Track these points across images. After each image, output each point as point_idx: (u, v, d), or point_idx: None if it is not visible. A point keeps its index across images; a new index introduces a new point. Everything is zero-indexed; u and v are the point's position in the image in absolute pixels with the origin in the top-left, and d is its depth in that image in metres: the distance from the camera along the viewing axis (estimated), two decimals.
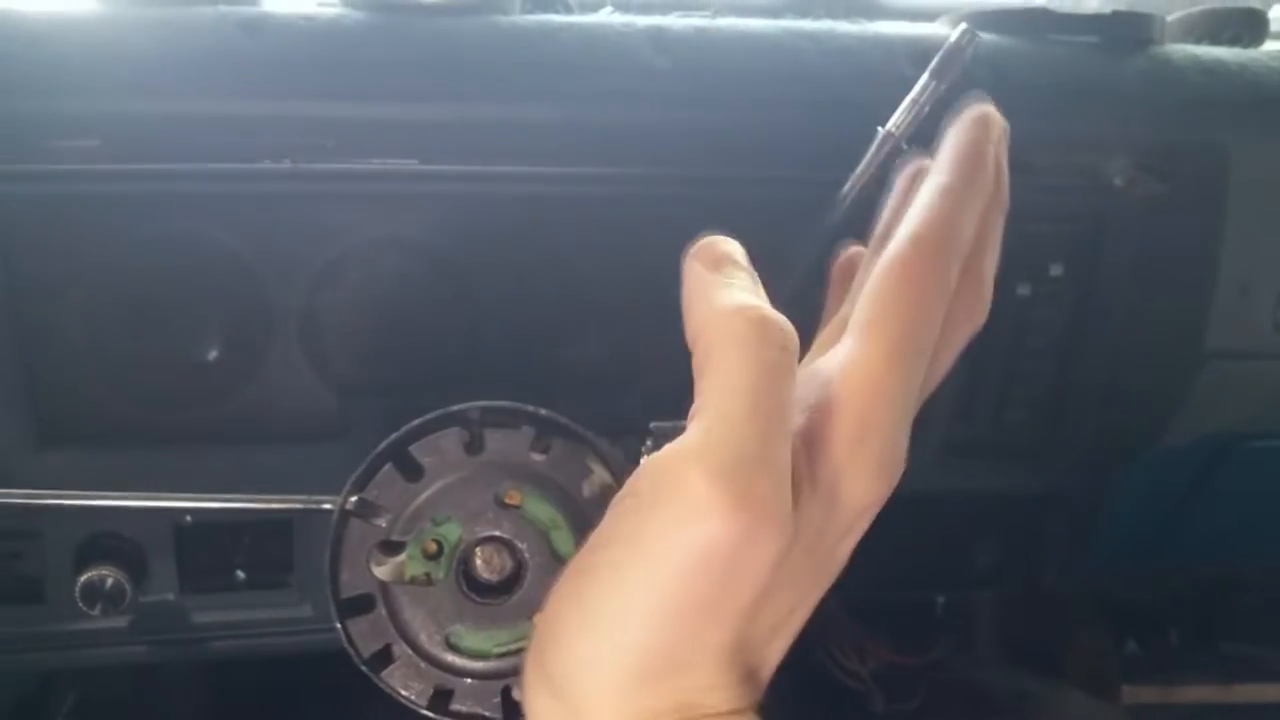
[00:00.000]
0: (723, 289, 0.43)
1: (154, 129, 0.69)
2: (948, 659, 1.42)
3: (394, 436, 0.61)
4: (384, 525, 0.61)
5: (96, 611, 0.81)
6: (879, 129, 0.60)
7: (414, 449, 0.61)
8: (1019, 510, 1.05)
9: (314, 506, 0.64)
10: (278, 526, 0.87)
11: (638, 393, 0.89)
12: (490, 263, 0.87)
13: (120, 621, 0.85)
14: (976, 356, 0.92)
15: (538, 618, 0.45)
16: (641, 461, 0.70)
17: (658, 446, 0.70)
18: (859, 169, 0.61)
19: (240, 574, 0.88)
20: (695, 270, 0.45)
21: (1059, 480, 0.99)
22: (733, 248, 0.46)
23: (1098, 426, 0.95)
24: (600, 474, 0.64)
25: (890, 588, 1.10)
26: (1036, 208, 0.87)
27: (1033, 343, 0.92)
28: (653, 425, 0.69)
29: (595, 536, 0.42)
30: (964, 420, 0.96)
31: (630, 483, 0.41)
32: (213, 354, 0.86)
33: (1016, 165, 0.86)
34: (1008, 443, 0.97)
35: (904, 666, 1.43)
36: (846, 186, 0.62)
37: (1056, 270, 0.89)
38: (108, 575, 0.81)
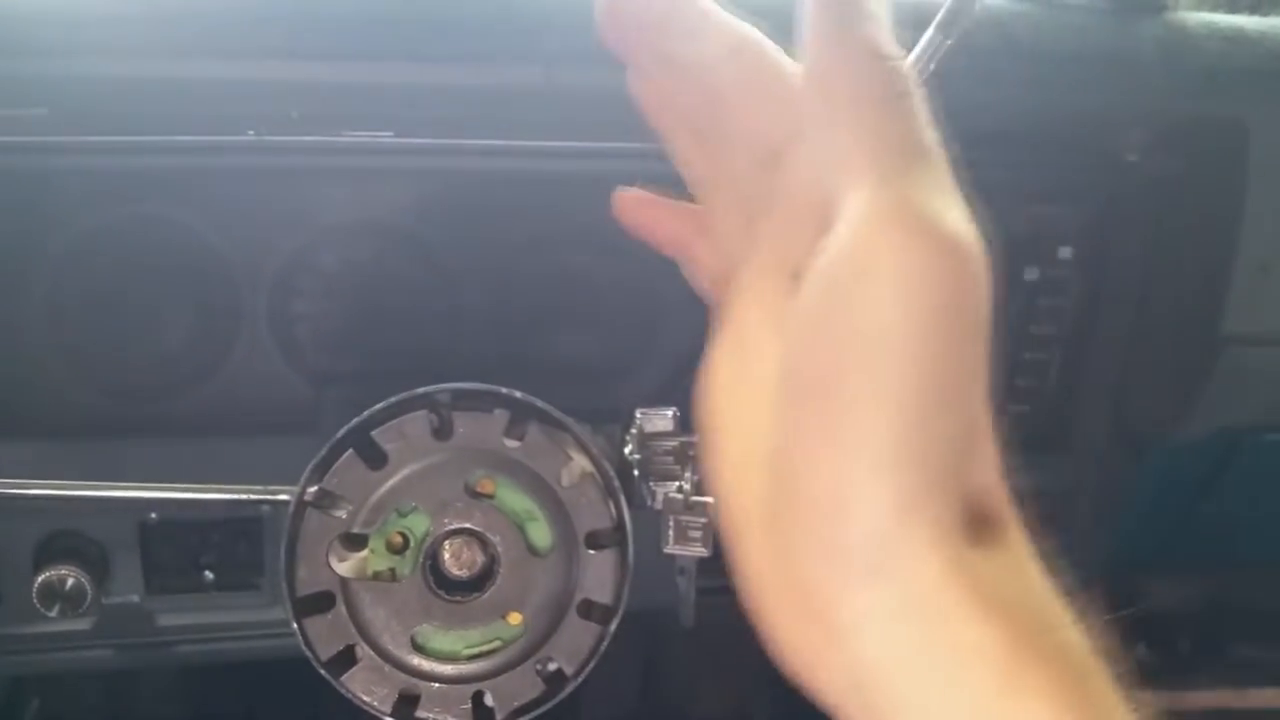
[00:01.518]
0: (861, 24, 0.37)
1: (105, 96, 0.65)
2: None
3: (355, 421, 0.57)
4: (344, 517, 0.57)
5: (55, 613, 0.76)
6: None
7: (377, 434, 0.57)
8: (1025, 509, 1.01)
9: (270, 497, 0.59)
10: (246, 525, 0.83)
11: (623, 383, 0.85)
12: (469, 246, 0.83)
13: (81, 624, 0.80)
14: None
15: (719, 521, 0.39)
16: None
17: (643, 434, 0.66)
18: None
19: (208, 574, 0.83)
20: None
21: (1067, 477, 0.94)
22: None
23: (1109, 419, 0.91)
24: (580, 461, 0.59)
25: None
26: (1044, 186, 0.83)
27: (1040, 331, 0.88)
28: (639, 412, 0.65)
29: (797, 368, 0.35)
30: None
31: (811, 298, 0.35)
32: (179, 342, 0.82)
33: (1023, 141, 0.83)
34: (1015, 438, 0.92)
35: None
36: None
37: (1065, 253, 0.85)
38: (68, 575, 0.77)
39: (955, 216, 0.33)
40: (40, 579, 0.76)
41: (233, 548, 0.83)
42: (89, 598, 0.77)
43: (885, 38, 0.36)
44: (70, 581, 0.77)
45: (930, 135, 0.35)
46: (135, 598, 0.82)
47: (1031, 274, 0.85)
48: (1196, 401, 0.86)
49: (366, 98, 0.69)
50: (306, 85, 0.67)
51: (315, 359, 0.84)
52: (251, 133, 0.71)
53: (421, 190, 0.80)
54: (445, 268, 0.83)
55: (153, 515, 0.81)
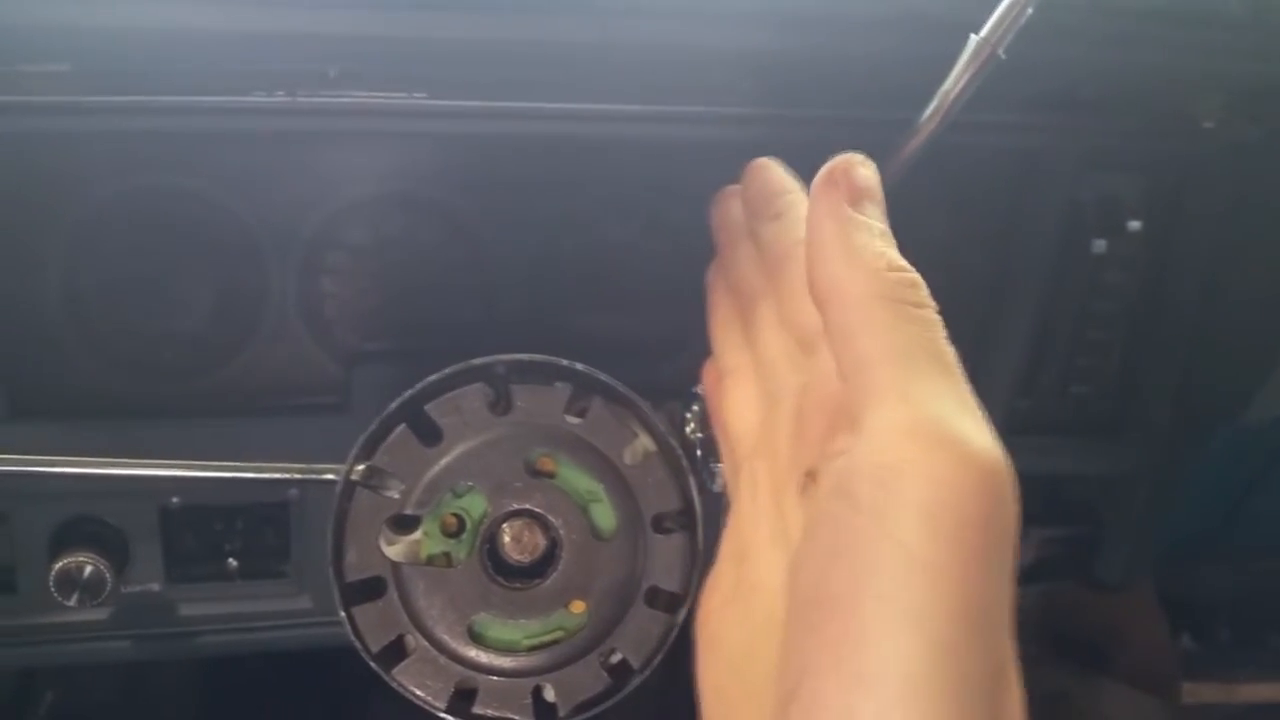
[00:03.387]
0: (865, 236, 0.36)
1: (130, 50, 0.61)
2: None
3: (408, 394, 0.52)
4: (396, 497, 0.52)
5: (73, 602, 0.73)
6: (971, 36, 0.52)
7: (431, 408, 0.53)
8: (1082, 494, 0.97)
9: (314, 477, 0.55)
10: (273, 509, 0.79)
11: (675, 361, 0.81)
12: (508, 219, 0.79)
13: (100, 614, 0.77)
14: (1041, 323, 0.84)
15: None
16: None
17: (706, 411, 0.63)
18: (947, 84, 0.53)
19: (232, 562, 0.80)
20: (831, 205, 0.37)
21: (1129, 461, 0.91)
22: (873, 176, 0.39)
23: (1174, 402, 0.87)
24: (645, 440, 0.55)
25: None
26: (1114, 154, 0.79)
27: (1104, 307, 0.84)
28: (701, 388, 0.62)
29: (810, 583, 0.32)
30: (1025, 395, 0.87)
31: (829, 507, 0.32)
32: (203, 318, 0.78)
33: (1094, 104, 0.79)
34: (1074, 420, 0.89)
35: None
36: (931, 107, 0.54)
37: (1134, 225, 0.81)
38: (86, 563, 0.73)
39: (980, 432, 0.32)
40: (57, 566, 0.73)
41: (258, 534, 0.80)
42: (108, 586, 0.74)
43: (892, 250, 0.37)
44: (89, 569, 0.74)
45: (948, 347, 0.35)
46: (156, 586, 0.78)
47: (1098, 247, 0.81)
48: (1267, 385, 0.83)
49: (405, 53, 0.65)
50: (342, 38, 0.63)
51: (345, 337, 0.81)
52: (282, 93, 0.67)
53: (457, 160, 0.76)
54: (481, 243, 0.80)
55: (175, 500, 0.77)
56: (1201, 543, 1.06)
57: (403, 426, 0.53)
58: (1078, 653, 1.30)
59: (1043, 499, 1.00)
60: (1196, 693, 1.17)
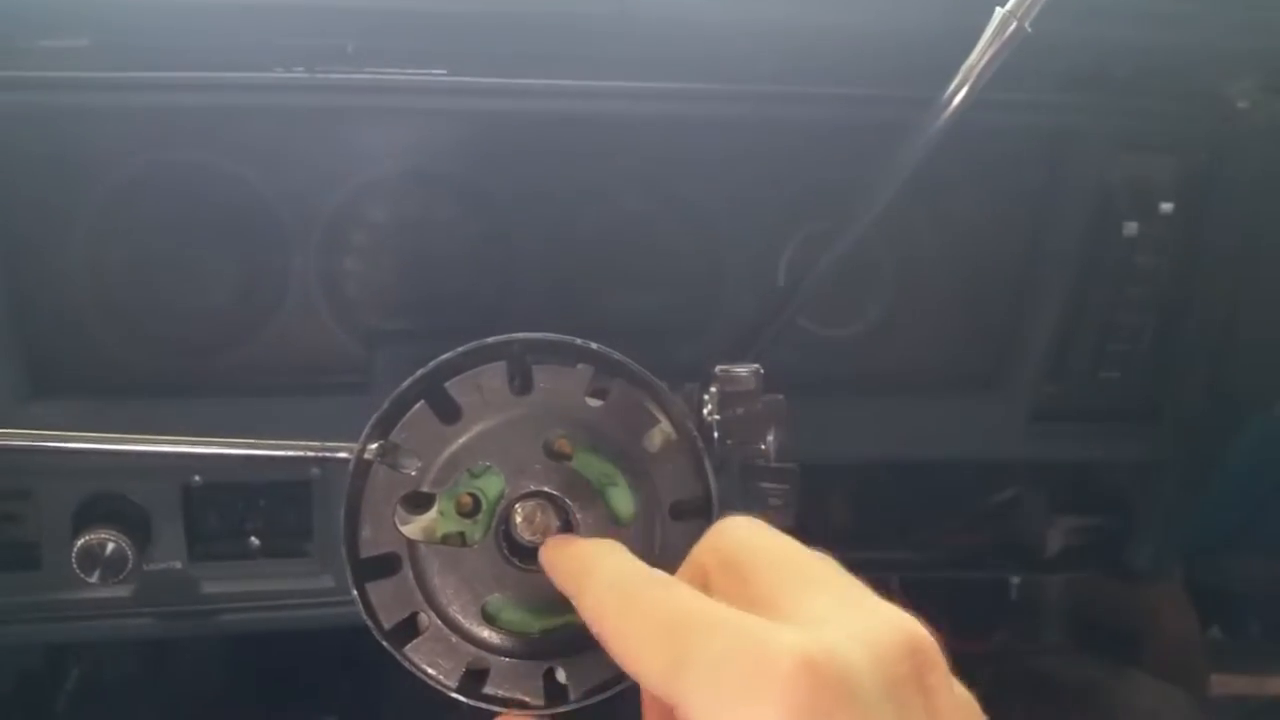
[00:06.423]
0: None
1: (150, 25, 0.60)
2: (1011, 645, 1.33)
3: (427, 369, 0.51)
4: (413, 474, 0.52)
5: (95, 579, 0.73)
6: (997, 9, 0.51)
7: (450, 386, 0.52)
8: (1112, 483, 0.96)
9: (329, 454, 0.54)
10: (295, 488, 0.79)
11: (693, 342, 0.80)
12: (527, 195, 0.79)
13: (122, 591, 0.77)
14: (1071, 307, 0.83)
15: None
16: (704, 412, 0.62)
17: (724, 393, 0.62)
18: (972, 58, 0.51)
19: (254, 540, 0.80)
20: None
21: (1158, 449, 0.89)
22: None
23: (1206, 389, 0.86)
24: (665, 426, 0.54)
25: (963, 566, 1.01)
26: (1146, 135, 0.78)
27: (1135, 292, 0.82)
28: (718, 368, 0.61)
29: None
30: (1054, 380, 0.86)
31: None
32: (226, 295, 0.78)
33: (1125, 84, 0.77)
34: (1103, 406, 0.88)
35: (964, 653, 1.33)
36: (955, 82, 0.53)
37: (1166, 208, 0.79)
38: (108, 539, 0.73)
39: None
40: (80, 543, 0.73)
41: (280, 513, 0.80)
42: (130, 563, 0.74)
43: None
44: (111, 546, 0.74)
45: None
46: (178, 564, 0.78)
47: (1129, 229, 0.79)
48: None
49: (424, 29, 0.64)
50: (361, 13, 0.62)
51: (366, 316, 0.80)
52: (301, 69, 0.66)
53: (474, 137, 0.76)
54: (499, 221, 0.79)
55: (197, 478, 0.77)
56: (1232, 534, 1.04)
57: (421, 403, 0.52)
58: (1106, 643, 1.28)
59: (1072, 487, 0.99)
60: (1226, 684, 1.16)
